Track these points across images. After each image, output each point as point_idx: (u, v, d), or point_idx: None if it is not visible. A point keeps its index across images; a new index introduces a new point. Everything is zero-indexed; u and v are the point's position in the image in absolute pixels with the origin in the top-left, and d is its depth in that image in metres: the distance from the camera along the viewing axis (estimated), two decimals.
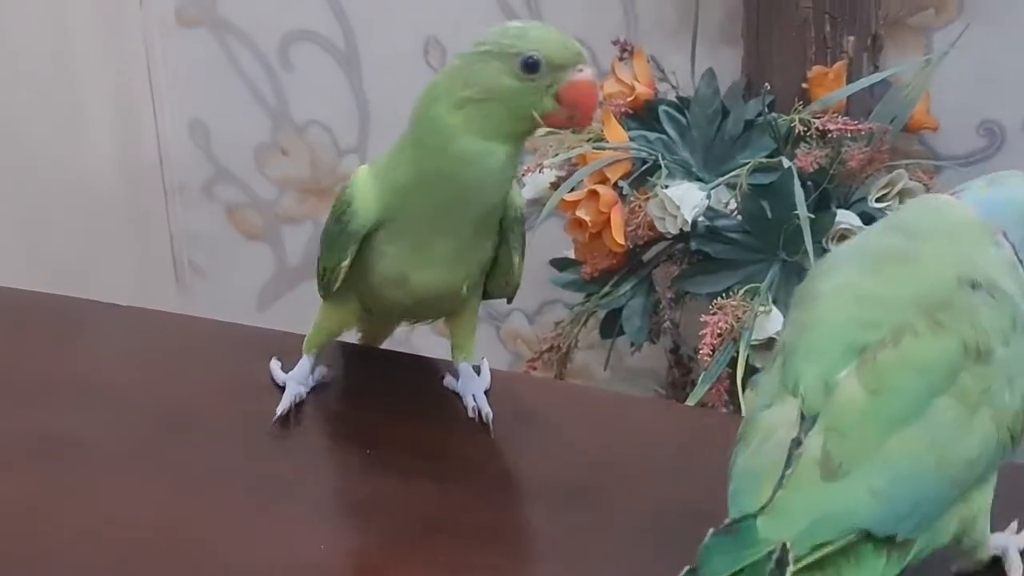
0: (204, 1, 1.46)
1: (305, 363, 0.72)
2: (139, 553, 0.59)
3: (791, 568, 0.53)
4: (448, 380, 0.73)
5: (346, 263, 0.67)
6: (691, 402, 0.98)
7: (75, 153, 1.44)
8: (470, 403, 0.70)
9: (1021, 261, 0.62)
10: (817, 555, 0.54)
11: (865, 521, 0.55)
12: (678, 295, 1.10)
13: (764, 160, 1.06)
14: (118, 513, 0.62)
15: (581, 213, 1.05)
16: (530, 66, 0.62)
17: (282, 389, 0.71)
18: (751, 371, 1.03)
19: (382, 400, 0.72)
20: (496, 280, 0.71)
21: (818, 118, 1.04)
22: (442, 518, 0.61)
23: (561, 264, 1.17)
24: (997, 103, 1.23)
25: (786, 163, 1.04)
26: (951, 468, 0.57)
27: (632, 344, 1.13)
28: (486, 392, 0.71)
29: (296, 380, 0.72)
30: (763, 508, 0.55)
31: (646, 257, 1.14)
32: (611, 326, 1.14)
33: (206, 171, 1.53)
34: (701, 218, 1.06)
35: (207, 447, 0.68)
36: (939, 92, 1.21)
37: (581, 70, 0.63)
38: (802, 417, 0.58)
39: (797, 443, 0.57)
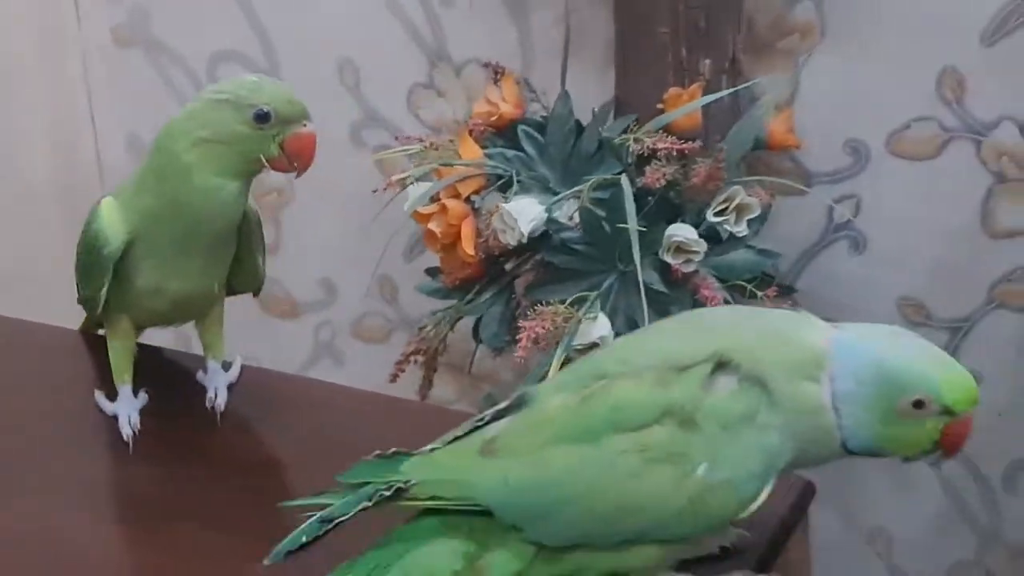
0: (139, 23, 1.56)
1: (126, 391, 0.80)
2: None
3: (385, 495, 0.60)
4: (200, 374, 0.81)
5: (106, 286, 0.75)
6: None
7: (14, 168, 1.54)
8: (210, 394, 0.78)
9: (837, 410, 0.61)
10: (432, 504, 0.61)
11: (487, 500, 0.61)
12: (534, 303, 1.16)
13: (606, 177, 1.12)
14: None
15: (432, 225, 1.13)
16: (261, 117, 0.70)
17: (113, 418, 0.79)
18: None
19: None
20: (242, 277, 0.80)
21: (650, 137, 1.10)
22: (163, 500, 0.69)
23: (433, 272, 1.24)
24: (861, 122, 1.28)
25: (625, 180, 1.10)
26: (601, 501, 0.60)
27: (492, 349, 1.20)
28: (231, 386, 0.79)
29: (126, 410, 0.79)
30: (420, 453, 0.63)
31: (508, 267, 1.21)
32: (477, 331, 1.21)
33: None
34: (548, 229, 1.13)
35: None
36: (806, 111, 1.28)
37: (305, 125, 0.71)
38: (522, 405, 0.65)
39: (483, 420, 0.64)
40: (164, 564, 0.65)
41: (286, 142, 0.71)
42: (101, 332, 0.89)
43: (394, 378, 1.24)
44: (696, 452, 0.60)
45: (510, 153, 1.18)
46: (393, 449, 0.62)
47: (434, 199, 1.15)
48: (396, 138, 1.28)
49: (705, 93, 1.19)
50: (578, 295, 1.09)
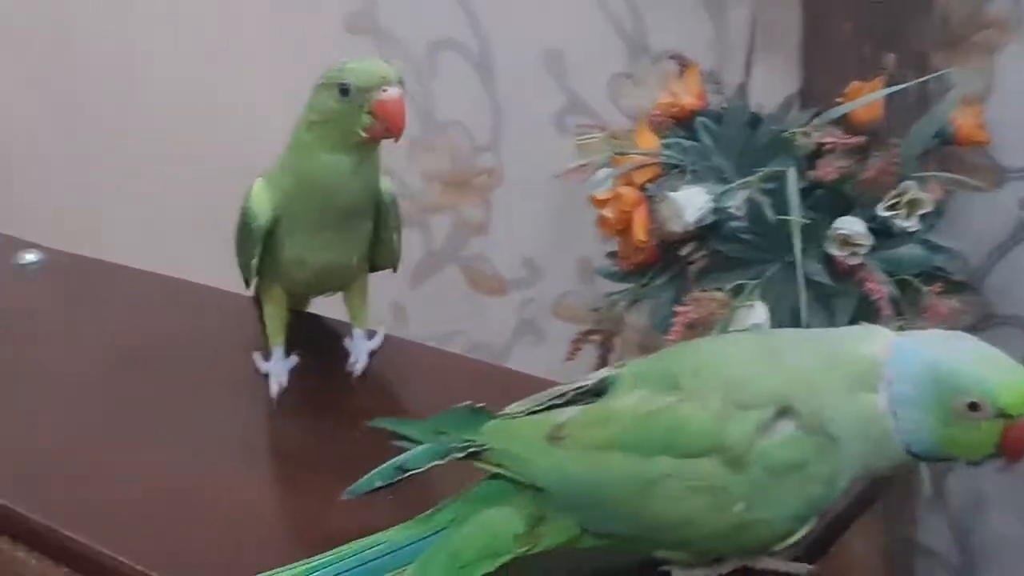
0: (368, 12, 1.67)
1: (279, 353, 0.90)
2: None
3: (459, 456, 0.66)
4: (347, 340, 0.90)
5: (256, 258, 0.84)
6: None
7: (248, 151, 1.68)
8: (352, 359, 0.86)
9: (895, 414, 0.63)
10: (498, 470, 0.67)
11: (546, 483, 0.67)
12: (702, 290, 1.20)
13: (775, 169, 1.15)
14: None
15: (606, 211, 1.18)
16: (343, 91, 0.78)
17: (266, 376, 0.89)
18: None
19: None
20: (382, 253, 0.88)
21: (818, 131, 1.12)
22: (300, 452, 0.78)
23: (614, 256, 1.30)
24: None
25: (791, 172, 1.13)
26: (644, 512, 0.64)
27: (663, 333, 1.24)
28: (373, 353, 0.87)
29: (277, 370, 0.88)
30: (502, 416, 0.69)
31: (683, 253, 1.25)
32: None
33: None
34: (718, 219, 1.17)
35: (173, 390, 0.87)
36: (1000, 106, 1.26)
37: (386, 90, 0.78)
38: (601, 391, 0.70)
39: (564, 398, 0.70)
40: (295, 508, 0.74)
41: (374, 110, 0.78)
42: None
43: (571, 356, 1.30)
44: (737, 490, 0.62)
45: (687, 143, 1.22)
46: (481, 404, 0.68)
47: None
48: (578, 125, 1.34)
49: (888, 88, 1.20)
50: (739, 283, 1.12)
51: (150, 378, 0.89)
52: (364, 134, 0.79)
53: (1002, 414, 0.61)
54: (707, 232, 1.19)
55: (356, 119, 0.79)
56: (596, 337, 1.28)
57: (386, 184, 0.85)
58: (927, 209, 1.15)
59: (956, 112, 1.22)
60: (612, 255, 1.30)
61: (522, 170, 1.63)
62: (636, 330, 1.34)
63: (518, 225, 1.67)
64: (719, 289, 1.11)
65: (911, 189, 1.14)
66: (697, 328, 1.08)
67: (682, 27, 1.45)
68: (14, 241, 1.11)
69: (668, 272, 1.24)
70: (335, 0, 1.69)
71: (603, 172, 1.22)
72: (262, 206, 0.84)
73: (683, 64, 1.28)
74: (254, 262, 0.85)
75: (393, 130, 0.80)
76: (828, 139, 1.11)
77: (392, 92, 0.79)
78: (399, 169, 1.73)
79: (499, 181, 1.66)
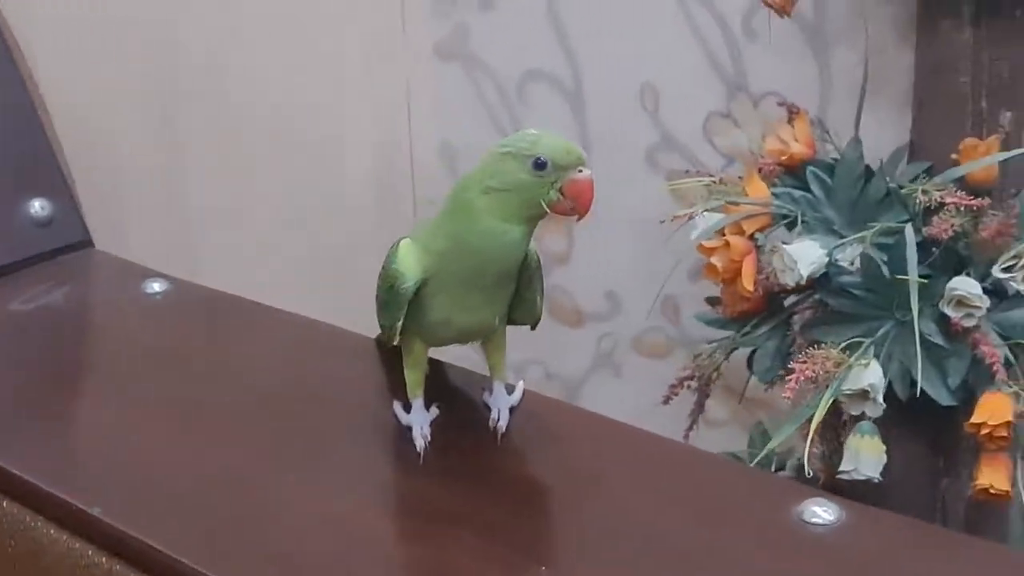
0: (459, 39, 1.66)
1: (419, 404, 0.88)
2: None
3: None
4: (485, 394, 0.88)
5: (401, 320, 0.83)
6: (775, 443, 1.08)
7: (339, 162, 1.68)
8: (494, 415, 0.85)
9: None
10: None
11: None
12: (809, 343, 1.19)
13: (891, 225, 1.14)
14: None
15: (715, 259, 1.17)
16: (539, 165, 0.77)
17: (408, 428, 0.88)
18: (853, 419, 1.12)
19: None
20: (521, 312, 0.87)
21: (939, 190, 1.11)
22: (442, 507, 0.77)
23: (714, 301, 1.28)
24: None
25: (909, 229, 1.11)
26: None
27: (763, 382, 1.23)
28: (513, 408, 0.86)
29: (419, 422, 0.87)
30: None
31: (787, 303, 1.24)
32: (751, 362, 1.25)
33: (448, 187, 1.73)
34: (828, 272, 1.15)
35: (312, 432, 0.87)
36: None
37: (581, 171, 0.77)
38: None
39: None
40: (437, 562, 0.74)
41: (565, 187, 0.77)
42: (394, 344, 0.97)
43: (667, 400, 1.29)
44: None
45: (797, 193, 1.21)
46: None
47: (719, 233, 1.20)
48: (687, 172, 1.32)
49: (1004, 146, 1.19)
50: (852, 340, 1.11)
51: (290, 421, 0.88)
52: (547, 209, 0.78)
53: None
54: (815, 284, 1.18)
55: (544, 193, 0.78)
56: (692, 383, 1.27)
57: (532, 246, 0.84)
58: None
59: None
60: (712, 301, 1.29)
61: (607, 203, 1.61)
62: (735, 371, 1.33)
63: (600, 258, 1.66)
64: (835, 344, 1.10)
65: None
66: (811, 385, 1.07)
67: (784, 67, 1.44)
68: (136, 268, 1.10)
69: (771, 321, 1.23)
70: (425, 25, 1.68)
71: (710, 217, 1.21)
72: (411, 268, 0.82)
73: (792, 111, 1.27)
74: (399, 324, 0.84)
75: (581, 211, 0.79)
76: (950, 199, 1.10)
77: (587, 173, 0.78)
78: None
79: None
